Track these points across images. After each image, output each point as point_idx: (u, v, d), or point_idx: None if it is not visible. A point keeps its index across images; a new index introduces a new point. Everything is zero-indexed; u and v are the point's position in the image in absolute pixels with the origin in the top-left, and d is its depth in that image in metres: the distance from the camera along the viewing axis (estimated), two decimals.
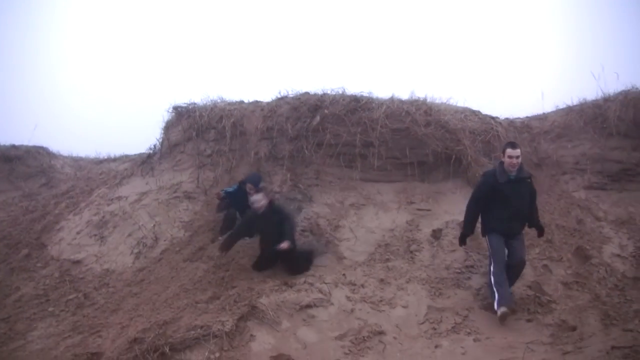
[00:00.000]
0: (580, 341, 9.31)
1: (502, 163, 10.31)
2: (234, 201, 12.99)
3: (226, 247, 11.51)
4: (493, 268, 10.09)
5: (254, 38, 60.38)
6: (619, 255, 12.00)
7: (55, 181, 17.92)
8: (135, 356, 9.07)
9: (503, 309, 9.71)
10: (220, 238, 12.45)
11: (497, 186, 10.15)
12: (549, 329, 9.81)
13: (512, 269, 10.22)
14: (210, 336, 9.32)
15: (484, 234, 10.66)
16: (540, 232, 10.92)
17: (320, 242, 12.16)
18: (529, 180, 10.54)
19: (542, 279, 11.13)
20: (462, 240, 10.85)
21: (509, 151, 10.11)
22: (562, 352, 8.86)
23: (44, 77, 49.87)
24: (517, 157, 10.12)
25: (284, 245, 10.85)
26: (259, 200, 11.18)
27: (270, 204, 11.34)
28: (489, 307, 10.27)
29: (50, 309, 11.85)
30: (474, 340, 9.68)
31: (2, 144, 19.20)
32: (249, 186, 12.81)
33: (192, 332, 9.42)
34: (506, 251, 10.31)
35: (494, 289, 9.97)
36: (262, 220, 11.38)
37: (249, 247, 12.09)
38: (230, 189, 13.18)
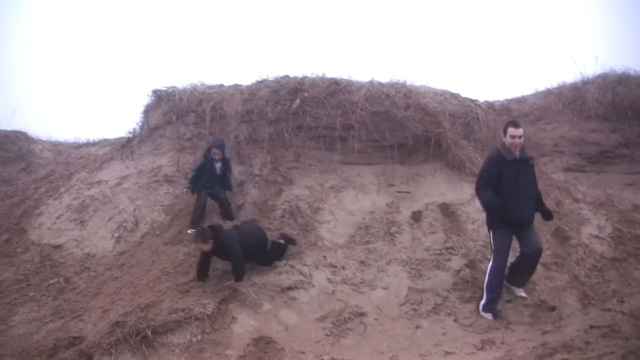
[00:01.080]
0: (559, 321, 9.45)
1: (503, 144, 9.65)
2: (205, 175, 12.91)
3: (200, 277, 10.88)
4: (492, 266, 9.64)
5: (233, 22, 60.24)
6: (597, 237, 12.14)
7: (34, 166, 17.81)
8: (118, 340, 9.08)
9: (488, 315, 9.57)
10: (189, 231, 12.45)
11: (504, 166, 9.44)
12: (528, 309, 9.91)
13: (528, 260, 9.68)
14: (192, 319, 9.38)
15: (489, 226, 9.89)
16: (549, 215, 10.25)
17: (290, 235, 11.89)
18: (531, 161, 9.88)
19: None
20: (496, 212, 9.62)
21: (511, 130, 9.45)
22: (542, 332, 8.97)
23: (22, 61, 49.46)
24: (520, 136, 9.48)
25: (231, 283, 10.46)
26: (202, 247, 10.61)
27: (216, 243, 10.59)
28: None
29: (31, 293, 11.82)
30: (454, 320, 9.79)
31: None
32: (214, 151, 12.92)
33: (174, 315, 9.47)
34: (511, 251, 9.76)
35: (485, 290, 9.69)
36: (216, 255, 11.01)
37: None
38: (198, 165, 13.16)
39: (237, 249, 10.44)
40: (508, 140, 9.45)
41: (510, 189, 9.40)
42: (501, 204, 9.42)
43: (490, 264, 9.69)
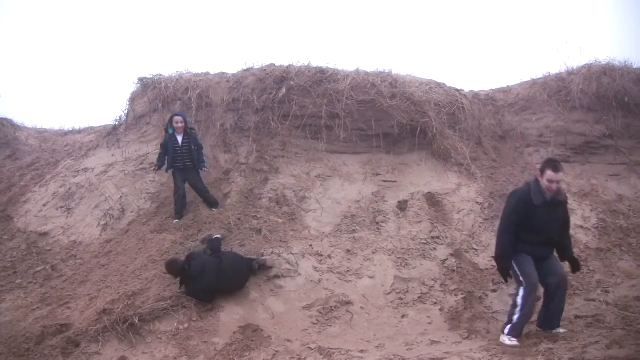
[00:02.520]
0: None
1: (537, 182, 8.61)
2: (170, 151, 12.80)
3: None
4: (524, 292, 8.38)
5: (220, 10, 60.02)
6: (582, 227, 12.24)
7: (20, 153, 17.75)
8: (105, 327, 9.16)
9: (514, 341, 8.35)
10: (176, 220, 12.57)
11: (531, 209, 8.51)
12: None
13: (555, 289, 8.53)
14: (179, 307, 9.47)
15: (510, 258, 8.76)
16: (576, 267, 9.18)
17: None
18: (565, 204, 8.93)
19: None
20: (506, 273, 8.80)
21: (549, 174, 8.41)
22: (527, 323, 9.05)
23: (7, 48, 49.18)
24: (559, 182, 8.50)
25: None
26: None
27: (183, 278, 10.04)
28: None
29: (18, 281, 11.82)
30: (440, 310, 9.87)
31: None
32: (175, 119, 12.84)
33: (161, 303, 9.56)
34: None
35: (517, 314, 8.40)
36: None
37: (216, 219, 12.12)
38: (162, 142, 13.12)
39: (198, 288, 9.82)
40: (545, 183, 8.45)
41: (533, 230, 8.56)
42: (511, 259, 8.66)
43: (522, 291, 8.41)
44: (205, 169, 13.09)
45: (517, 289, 8.54)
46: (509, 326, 8.48)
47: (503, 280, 9.06)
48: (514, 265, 8.64)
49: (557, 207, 8.65)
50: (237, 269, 10.09)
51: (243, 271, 10.13)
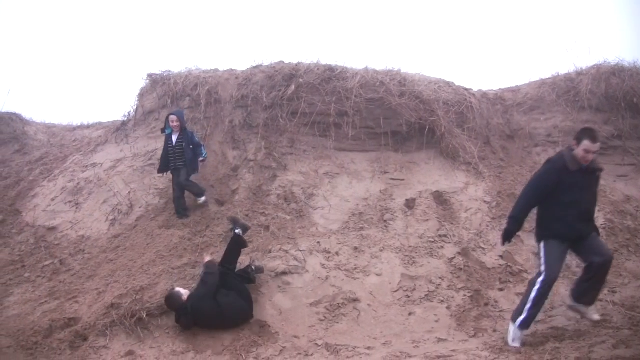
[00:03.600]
0: (550, 310, 9.55)
1: (571, 150, 8.09)
2: (167, 152, 12.94)
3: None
4: (542, 280, 7.98)
5: (229, 7, 60.01)
6: None
7: (28, 148, 17.81)
8: (113, 321, 9.19)
9: (524, 333, 8.15)
10: (179, 216, 12.62)
11: (566, 176, 7.98)
12: (520, 298, 9.98)
13: (597, 270, 8.04)
14: None
15: (540, 238, 8.40)
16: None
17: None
18: (599, 172, 8.40)
19: (514, 249, 11.34)
20: (508, 237, 8.51)
21: (587, 144, 7.88)
22: (534, 321, 9.05)
23: (17, 43, 49.23)
24: (595, 152, 7.97)
25: None
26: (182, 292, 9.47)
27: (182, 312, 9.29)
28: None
29: (26, 274, 11.85)
30: (447, 308, 9.86)
31: None
32: (171, 118, 12.90)
33: None
34: (565, 260, 8.44)
35: (529, 305, 8.06)
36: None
37: (224, 215, 12.15)
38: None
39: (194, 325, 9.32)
40: (580, 152, 7.93)
41: (569, 202, 8.00)
42: (522, 225, 8.46)
43: (540, 277, 8.01)
44: (202, 159, 13.13)
45: (535, 277, 8.14)
46: (520, 319, 8.08)
47: (500, 242, 8.68)
48: (542, 247, 8.22)
49: (592, 174, 8.19)
50: (237, 313, 9.51)
51: (244, 311, 9.55)
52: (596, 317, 8.38)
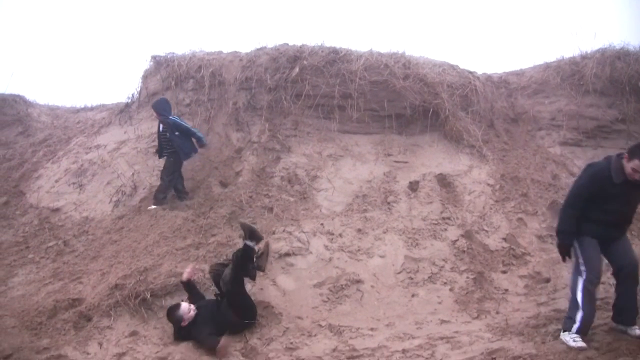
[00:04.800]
0: (553, 292, 9.59)
1: (619, 160, 7.56)
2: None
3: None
4: (585, 280, 7.57)
5: None
6: None
7: (32, 130, 17.82)
8: (117, 302, 9.20)
9: (580, 344, 7.45)
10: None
11: (608, 186, 7.53)
12: (523, 280, 10.05)
13: (625, 274, 7.70)
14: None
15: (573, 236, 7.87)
16: None
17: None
18: None
19: (517, 231, 11.35)
20: (566, 252, 7.90)
21: (636, 164, 7.32)
22: (536, 303, 9.10)
23: (21, 25, 49.18)
24: None
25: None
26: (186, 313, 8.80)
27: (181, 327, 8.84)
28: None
29: (30, 255, 11.90)
30: (450, 290, 9.89)
31: None
32: (154, 112, 13.10)
33: (173, 278, 9.59)
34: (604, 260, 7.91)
35: (580, 305, 7.57)
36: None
37: (228, 197, 12.17)
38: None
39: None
40: (628, 169, 7.41)
41: (609, 210, 7.63)
42: (574, 236, 7.77)
43: (580, 284, 7.60)
44: (201, 145, 13.14)
45: (575, 280, 7.71)
46: (575, 327, 7.57)
47: (562, 259, 8.04)
48: (577, 247, 7.77)
49: (637, 188, 7.55)
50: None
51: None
52: (638, 332, 7.72)
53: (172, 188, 12.88)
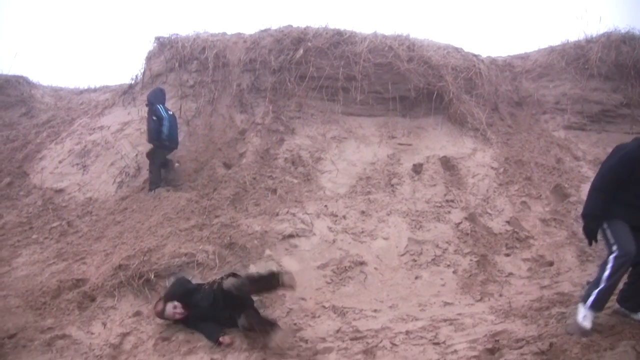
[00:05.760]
0: (557, 276, 9.56)
1: None
2: None
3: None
4: (614, 258, 7.00)
5: None
6: None
7: (35, 111, 17.83)
8: (121, 282, 9.19)
9: (586, 324, 7.08)
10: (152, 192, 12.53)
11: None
12: (526, 264, 10.03)
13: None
14: (194, 263, 9.45)
15: (602, 218, 7.36)
16: None
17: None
18: None
19: (521, 215, 11.33)
20: (593, 236, 7.35)
21: None
22: (540, 286, 9.08)
23: (24, 5, 49.10)
24: None
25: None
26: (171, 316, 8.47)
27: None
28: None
29: (34, 236, 11.89)
30: (454, 272, 9.88)
31: None
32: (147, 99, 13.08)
33: (177, 259, 9.56)
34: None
35: (604, 278, 7.05)
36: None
37: (232, 178, 12.16)
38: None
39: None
40: None
41: (636, 190, 7.24)
42: (602, 219, 7.26)
43: (612, 261, 7.03)
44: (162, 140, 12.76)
45: (605, 261, 7.13)
46: (593, 296, 7.07)
47: (587, 243, 7.54)
48: (606, 228, 7.28)
49: None
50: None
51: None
52: None
53: (160, 176, 12.83)
